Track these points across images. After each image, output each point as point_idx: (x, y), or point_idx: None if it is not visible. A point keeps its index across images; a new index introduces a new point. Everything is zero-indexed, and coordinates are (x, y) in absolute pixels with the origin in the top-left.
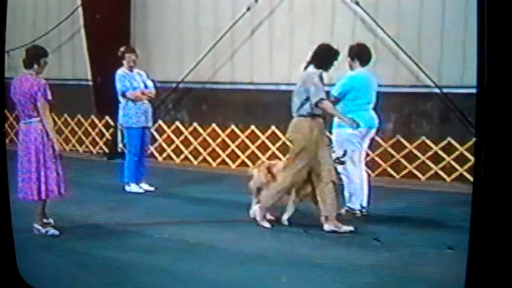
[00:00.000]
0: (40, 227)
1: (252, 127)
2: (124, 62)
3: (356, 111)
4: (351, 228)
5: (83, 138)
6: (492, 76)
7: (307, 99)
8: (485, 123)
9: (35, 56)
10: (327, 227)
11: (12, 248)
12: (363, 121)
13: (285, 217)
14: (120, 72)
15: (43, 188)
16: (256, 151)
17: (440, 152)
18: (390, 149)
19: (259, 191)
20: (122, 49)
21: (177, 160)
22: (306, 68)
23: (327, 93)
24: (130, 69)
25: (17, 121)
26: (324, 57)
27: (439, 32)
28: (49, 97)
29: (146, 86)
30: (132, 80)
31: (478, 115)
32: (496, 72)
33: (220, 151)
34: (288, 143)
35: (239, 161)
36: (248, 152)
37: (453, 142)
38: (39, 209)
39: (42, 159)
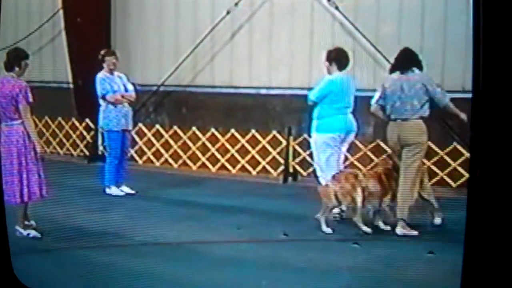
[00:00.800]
0: (21, 230)
1: (232, 130)
2: (105, 65)
3: (334, 115)
4: (415, 232)
5: (64, 140)
6: (487, 81)
7: (429, 100)
8: (481, 127)
9: (17, 58)
10: (400, 231)
11: (7, 249)
12: (342, 125)
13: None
14: (100, 75)
15: (25, 190)
16: (236, 155)
17: None
18: (369, 153)
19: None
20: (102, 52)
21: (157, 163)
22: (392, 71)
23: (305, 96)
24: (111, 72)
25: None
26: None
27: (418, 36)
28: (31, 99)
29: (126, 89)
30: (112, 83)
31: (473, 119)
32: (491, 77)
33: (200, 155)
34: (267, 147)
35: (219, 164)
36: (228, 155)
37: (433, 146)
38: (21, 212)
39: (24, 162)
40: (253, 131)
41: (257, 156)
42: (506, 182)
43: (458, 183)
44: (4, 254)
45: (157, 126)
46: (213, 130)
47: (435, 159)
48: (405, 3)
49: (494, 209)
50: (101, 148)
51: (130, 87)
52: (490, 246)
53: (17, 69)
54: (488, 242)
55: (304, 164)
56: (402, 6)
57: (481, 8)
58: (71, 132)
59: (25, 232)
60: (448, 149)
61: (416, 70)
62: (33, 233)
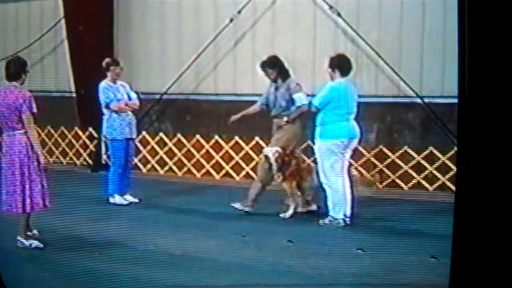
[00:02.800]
0: (23, 240)
1: (236, 137)
2: (108, 74)
3: (337, 122)
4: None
5: (67, 150)
6: (473, 85)
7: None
8: (467, 132)
9: (21, 67)
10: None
11: None
12: (345, 132)
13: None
14: (103, 84)
15: (27, 201)
16: (241, 162)
17: (423, 162)
18: (373, 159)
19: None
20: (106, 61)
21: (161, 172)
22: None
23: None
24: (114, 81)
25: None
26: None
27: (419, 42)
28: (35, 109)
29: (129, 98)
30: (115, 92)
31: (459, 124)
32: (477, 81)
33: (204, 162)
34: None
35: (223, 172)
36: (232, 162)
37: (435, 151)
38: (23, 222)
39: (26, 172)
40: (257, 138)
41: None
42: (494, 189)
43: None
44: None
45: (161, 134)
46: (217, 137)
47: (437, 164)
48: (406, 9)
49: (481, 216)
50: (104, 157)
51: (133, 95)
52: (478, 254)
53: (20, 78)
54: (476, 249)
55: None
56: (403, 12)
57: (466, 15)
58: (74, 141)
59: (27, 243)
60: (449, 154)
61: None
62: (35, 243)
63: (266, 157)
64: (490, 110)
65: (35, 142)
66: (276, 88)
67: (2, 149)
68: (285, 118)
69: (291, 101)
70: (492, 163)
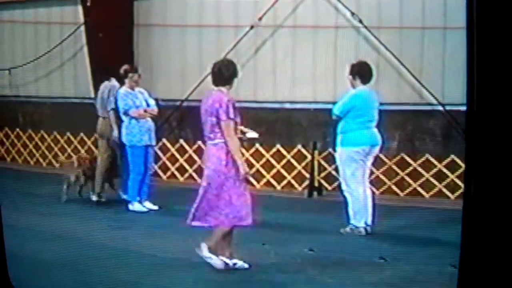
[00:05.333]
0: (225, 259)
1: (257, 145)
2: (127, 81)
3: (358, 129)
4: None
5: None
6: (482, 93)
7: None
8: (475, 139)
9: (233, 72)
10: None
11: (4, 257)
12: (366, 139)
13: None
14: (122, 91)
15: (230, 215)
16: (261, 169)
17: (444, 170)
18: (394, 167)
19: None
20: (125, 68)
21: (181, 179)
22: None
23: (329, 110)
24: (132, 88)
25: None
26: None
27: (441, 49)
28: (232, 115)
29: (148, 104)
30: (134, 98)
31: (468, 131)
32: (486, 89)
33: None
34: (292, 161)
35: None
36: (253, 170)
37: (456, 159)
38: (224, 238)
39: (226, 184)
40: (278, 145)
41: (282, 171)
42: (502, 192)
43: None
44: (1, 263)
45: (181, 141)
46: None
47: (458, 172)
48: (427, 17)
49: (489, 219)
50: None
51: (151, 102)
52: (486, 258)
53: (232, 83)
54: (484, 254)
55: (330, 178)
56: (425, 20)
57: (475, 21)
58: (93, 147)
59: (231, 262)
60: None
61: None
62: (239, 264)
63: None
64: (499, 118)
65: (235, 151)
66: None
67: (205, 159)
68: None
69: None
70: (500, 169)
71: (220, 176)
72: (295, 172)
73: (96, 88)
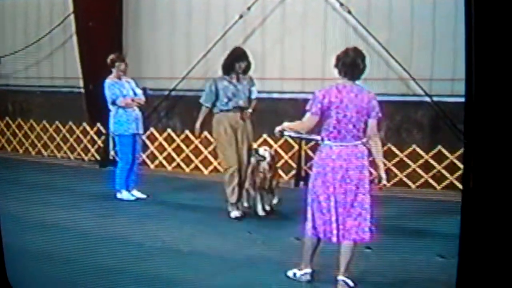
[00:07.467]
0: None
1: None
2: (114, 70)
3: None
4: None
5: (75, 145)
6: (480, 83)
7: None
8: (474, 131)
9: (363, 62)
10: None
11: (2, 255)
12: None
13: None
14: (109, 80)
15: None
16: None
17: (431, 161)
18: (382, 158)
19: None
20: (111, 57)
21: (169, 168)
22: None
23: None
24: (119, 77)
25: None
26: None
27: (430, 41)
28: (380, 114)
29: (135, 94)
30: (121, 88)
31: (466, 123)
32: (484, 79)
33: (212, 159)
34: (279, 151)
35: None
36: None
37: (443, 150)
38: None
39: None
40: (265, 135)
41: None
42: (501, 188)
43: None
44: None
45: (169, 130)
46: None
47: (445, 163)
48: (416, 8)
49: (488, 215)
50: (112, 152)
51: (138, 91)
52: (485, 254)
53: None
54: (483, 249)
55: None
56: (414, 11)
57: (473, 13)
58: (82, 136)
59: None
60: (458, 153)
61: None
62: (306, 277)
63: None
64: (498, 109)
65: (378, 153)
66: None
67: (322, 161)
68: None
69: None
70: (499, 162)
71: None
72: (282, 162)
73: (85, 77)
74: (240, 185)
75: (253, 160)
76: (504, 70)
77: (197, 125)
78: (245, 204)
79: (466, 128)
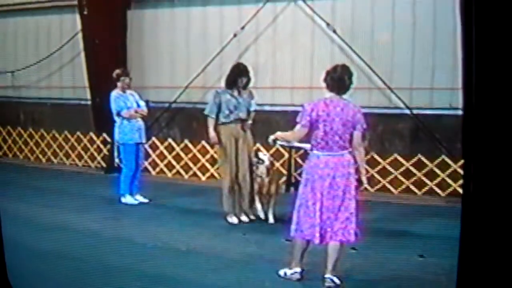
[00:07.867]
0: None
1: None
2: (119, 84)
3: None
4: None
5: (82, 153)
6: (479, 96)
7: None
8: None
9: (350, 78)
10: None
11: (2, 255)
12: None
13: None
14: (114, 93)
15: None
16: None
17: (411, 168)
18: (365, 165)
19: None
20: (117, 72)
21: (169, 174)
22: None
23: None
24: (124, 90)
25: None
26: None
27: (410, 58)
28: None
29: (138, 106)
30: (126, 100)
31: (464, 135)
32: (482, 92)
33: (209, 166)
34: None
35: None
36: None
37: (423, 158)
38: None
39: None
40: (258, 144)
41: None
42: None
43: (446, 192)
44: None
45: (169, 140)
46: None
47: (424, 170)
48: (397, 28)
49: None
50: (116, 160)
51: (141, 103)
52: (484, 255)
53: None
54: (482, 250)
55: None
56: (395, 30)
57: (473, 27)
58: (89, 145)
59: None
60: (436, 161)
61: None
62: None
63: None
64: (496, 119)
65: (362, 161)
66: None
67: (310, 169)
68: None
69: None
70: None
71: None
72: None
73: (92, 90)
74: (240, 192)
75: (254, 160)
76: (502, 79)
77: (211, 133)
78: (252, 217)
79: (465, 137)
